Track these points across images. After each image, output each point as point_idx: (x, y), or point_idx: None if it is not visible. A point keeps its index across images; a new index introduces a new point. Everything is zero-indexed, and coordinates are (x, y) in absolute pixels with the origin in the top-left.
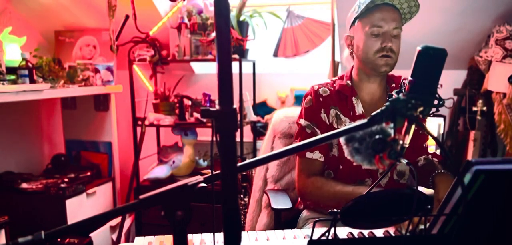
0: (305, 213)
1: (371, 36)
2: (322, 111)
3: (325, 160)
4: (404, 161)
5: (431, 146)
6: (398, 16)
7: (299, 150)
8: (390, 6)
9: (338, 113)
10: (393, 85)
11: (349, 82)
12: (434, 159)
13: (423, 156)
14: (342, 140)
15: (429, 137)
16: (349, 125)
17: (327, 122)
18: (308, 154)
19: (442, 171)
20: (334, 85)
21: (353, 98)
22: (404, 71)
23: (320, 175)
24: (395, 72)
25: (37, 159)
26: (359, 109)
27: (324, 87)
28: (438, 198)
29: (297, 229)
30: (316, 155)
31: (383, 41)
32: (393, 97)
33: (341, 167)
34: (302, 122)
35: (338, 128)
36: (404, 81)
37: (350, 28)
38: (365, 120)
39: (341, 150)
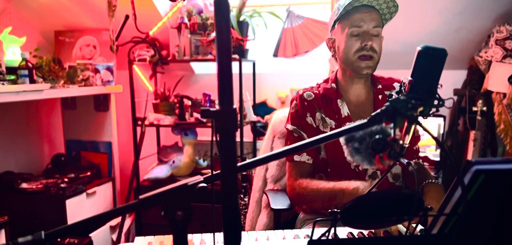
0: (302, 215)
1: (351, 37)
2: (307, 115)
3: (315, 163)
4: (404, 161)
5: (431, 146)
6: (377, 16)
7: (299, 149)
8: (369, 7)
9: (323, 116)
10: (380, 86)
11: (334, 84)
12: (425, 164)
13: (414, 160)
14: (341, 140)
15: (420, 139)
16: (334, 127)
17: (314, 125)
18: (296, 157)
19: (432, 181)
20: (319, 88)
21: (338, 100)
22: (404, 71)
23: (308, 177)
24: (393, 73)
25: (37, 159)
26: (344, 111)
27: (309, 91)
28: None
29: (297, 229)
30: (304, 157)
31: (363, 40)
32: (393, 97)
33: (329, 170)
34: (289, 127)
35: (324, 131)
36: (404, 81)
37: (330, 31)
38: (364, 121)
39: (328, 153)
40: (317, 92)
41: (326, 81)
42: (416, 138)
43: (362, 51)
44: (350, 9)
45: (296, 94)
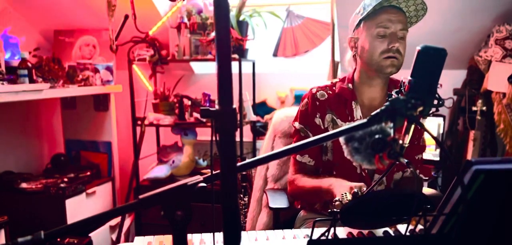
0: (302, 214)
1: (377, 37)
2: (317, 116)
3: (318, 164)
4: (405, 160)
5: (431, 145)
6: (404, 18)
7: (298, 150)
8: (396, 8)
9: (334, 117)
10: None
11: (350, 85)
12: (421, 175)
13: (411, 169)
14: (341, 140)
15: (425, 150)
16: None
17: (322, 126)
18: (298, 157)
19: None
20: (334, 88)
21: (353, 102)
22: (404, 72)
23: (305, 174)
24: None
25: (37, 159)
26: (357, 113)
27: (323, 90)
28: None
29: (296, 229)
30: (305, 159)
31: (390, 42)
32: (393, 97)
33: (334, 172)
34: (297, 125)
35: None
36: (403, 81)
37: (354, 30)
38: (364, 120)
39: (334, 155)
40: (331, 92)
41: (342, 80)
42: (420, 147)
43: (388, 52)
44: (378, 9)
45: (309, 91)
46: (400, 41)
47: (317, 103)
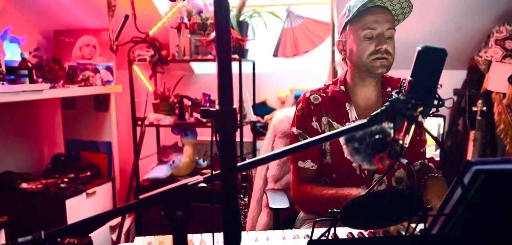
0: (302, 214)
1: (365, 39)
2: (313, 119)
3: (320, 168)
4: (404, 161)
5: (431, 146)
6: (391, 17)
7: (298, 150)
8: (382, 8)
9: (330, 120)
10: (389, 89)
11: (342, 87)
12: (431, 164)
13: (420, 160)
14: (341, 140)
15: (427, 142)
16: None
17: (319, 130)
18: (300, 163)
19: (436, 174)
20: (327, 91)
21: (347, 103)
22: (404, 71)
23: (312, 182)
24: (393, 73)
25: (37, 159)
26: (353, 115)
27: (316, 94)
28: (425, 199)
29: (297, 229)
30: (308, 164)
31: (378, 44)
32: (393, 97)
33: (334, 175)
34: (294, 130)
35: None
36: (403, 81)
37: (341, 33)
38: (364, 121)
39: (334, 158)
40: (324, 95)
41: (334, 83)
42: (423, 141)
43: (376, 54)
44: (363, 10)
45: (302, 96)
46: (388, 41)
47: (312, 106)
